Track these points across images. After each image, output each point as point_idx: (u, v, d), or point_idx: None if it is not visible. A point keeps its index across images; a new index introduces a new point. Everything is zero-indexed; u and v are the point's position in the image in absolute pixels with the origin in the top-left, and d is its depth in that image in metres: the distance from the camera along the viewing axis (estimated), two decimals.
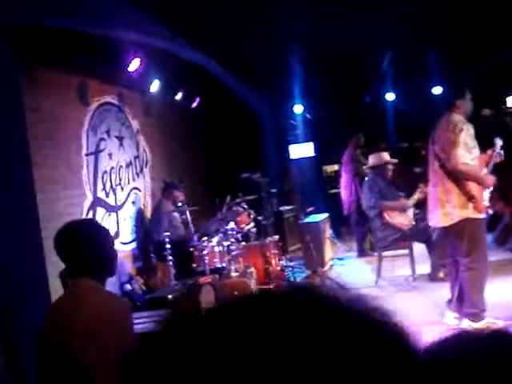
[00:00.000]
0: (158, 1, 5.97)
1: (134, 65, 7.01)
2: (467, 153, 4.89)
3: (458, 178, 4.95)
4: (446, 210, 5.05)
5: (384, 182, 7.64)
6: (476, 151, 5.13)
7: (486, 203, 5.09)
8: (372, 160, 7.89)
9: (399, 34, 8.80)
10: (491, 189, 5.26)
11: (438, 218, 5.16)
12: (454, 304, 5.36)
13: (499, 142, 5.28)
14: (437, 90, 12.16)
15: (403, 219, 7.33)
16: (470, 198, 4.93)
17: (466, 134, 4.91)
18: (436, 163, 5.10)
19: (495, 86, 11.39)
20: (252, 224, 8.02)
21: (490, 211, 5.17)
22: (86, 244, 2.46)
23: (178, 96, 8.95)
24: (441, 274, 7.14)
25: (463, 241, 5.03)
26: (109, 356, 2.21)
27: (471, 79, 10.97)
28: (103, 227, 2.78)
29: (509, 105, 12.16)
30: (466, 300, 5.14)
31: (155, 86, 8.09)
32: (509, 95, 12.11)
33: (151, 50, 7.19)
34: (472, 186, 4.95)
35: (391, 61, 10.64)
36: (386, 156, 7.90)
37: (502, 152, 5.30)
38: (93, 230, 2.59)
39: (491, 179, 5.16)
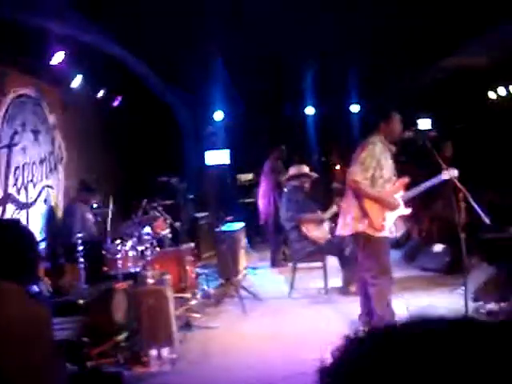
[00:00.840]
0: None
1: (58, 58, 6.72)
2: (364, 172, 5.09)
3: (356, 191, 5.20)
4: (346, 220, 5.31)
5: (302, 195, 7.72)
6: (388, 173, 5.28)
7: (387, 224, 5.22)
8: (292, 171, 7.97)
9: (322, 50, 8.95)
10: (403, 212, 5.42)
11: (338, 227, 5.49)
12: (364, 318, 5.54)
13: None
14: (354, 108, 12.49)
15: (319, 232, 7.43)
16: (365, 213, 5.13)
17: (374, 155, 5.11)
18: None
19: (407, 108, 11.81)
20: (168, 229, 7.87)
21: (392, 234, 5.33)
22: (11, 247, 2.30)
23: (100, 93, 8.68)
24: (352, 289, 7.27)
25: (362, 256, 5.31)
26: (30, 363, 2.09)
27: (387, 100, 11.38)
28: (28, 229, 2.62)
29: (419, 127, 12.64)
30: (373, 314, 5.31)
31: (77, 82, 7.80)
32: (419, 118, 12.58)
33: (76, 44, 6.95)
34: (368, 203, 5.14)
35: (313, 76, 10.81)
36: (305, 168, 7.99)
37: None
38: (18, 232, 2.43)
39: (396, 204, 5.30)
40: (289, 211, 7.51)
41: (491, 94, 11.55)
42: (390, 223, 5.29)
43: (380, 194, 5.20)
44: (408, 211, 5.46)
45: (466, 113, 12.77)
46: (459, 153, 10.06)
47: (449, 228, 8.36)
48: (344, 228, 5.37)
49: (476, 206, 5.45)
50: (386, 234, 5.24)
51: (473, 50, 9.54)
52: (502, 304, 6.04)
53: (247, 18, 7.61)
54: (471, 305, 6.25)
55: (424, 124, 12.45)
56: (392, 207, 5.25)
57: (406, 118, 5.61)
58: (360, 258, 5.36)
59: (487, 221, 5.56)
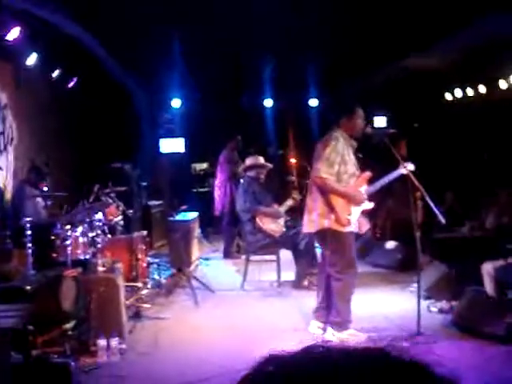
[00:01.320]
0: None
1: (13, 34, 6.45)
2: (330, 168, 5.05)
3: (321, 187, 5.16)
4: (311, 217, 5.25)
5: (259, 187, 7.67)
6: (352, 168, 5.26)
7: (352, 218, 5.19)
8: (249, 161, 7.91)
9: (282, 44, 8.91)
10: (367, 206, 5.40)
11: (304, 224, 5.40)
12: (320, 313, 5.47)
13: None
14: (313, 103, 12.50)
15: (275, 226, 7.39)
16: (331, 209, 5.09)
17: (337, 150, 5.08)
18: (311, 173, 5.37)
19: (363, 106, 11.89)
20: (120, 216, 7.70)
21: (357, 229, 5.32)
22: None
23: (55, 73, 8.39)
24: (305, 283, 7.28)
25: (326, 250, 5.25)
26: None
27: (345, 96, 11.44)
28: None
29: (376, 125, 12.74)
30: (332, 308, 5.29)
31: (32, 60, 7.51)
32: (375, 115, 12.69)
33: (34, 21, 6.70)
34: (334, 199, 5.11)
35: (272, 69, 10.76)
36: (261, 159, 7.95)
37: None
38: None
39: (361, 198, 5.29)
40: (246, 202, 7.44)
41: (448, 96, 11.71)
42: (356, 217, 5.28)
43: (346, 188, 5.18)
44: (372, 205, 5.46)
45: (422, 113, 12.94)
46: (414, 152, 10.19)
47: (402, 225, 8.46)
48: (310, 225, 5.30)
49: (432, 206, 5.48)
50: (351, 228, 5.22)
51: (431, 52, 9.63)
52: (453, 302, 6.12)
53: (208, 8, 7.51)
54: (423, 302, 6.33)
55: (379, 122, 12.56)
56: (358, 201, 5.25)
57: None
58: (325, 253, 5.31)
59: (443, 220, 5.61)
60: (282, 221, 7.52)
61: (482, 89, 10.48)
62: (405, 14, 7.68)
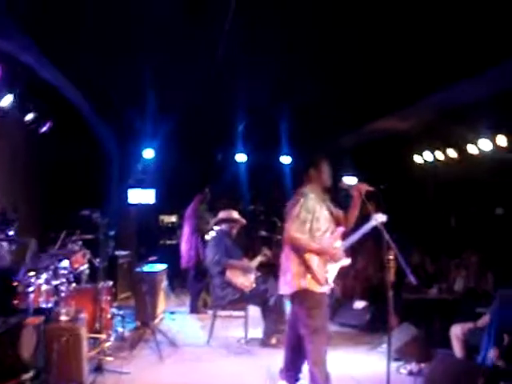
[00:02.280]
0: (30, 15, 5.60)
1: None
2: (302, 226, 4.89)
3: (295, 247, 4.94)
4: (286, 278, 5.00)
5: (230, 241, 7.59)
6: (326, 224, 5.12)
7: (330, 277, 4.97)
8: (222, 214, 7.85)
9: (257, 102, 9.04)
10: (345, 263, 5.22)
11: (279, 286, 5.14)
12: (288, 373, 5.26)
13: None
14: (286, 160, 12.63)
15: (245, 280, 7.29)
16: (307, 268, 4.88)
17: (307, 207, 4.90)
18: (284, 233, 5.06)
19: (332, 166, 12.04)
20: (86, 265, 7.51)
21: (331, 287, 5.08)
22: None
23: (29, 116, 8.30)
24: (273, 341, 7.14)
25: (302, 312, 4.95)
26: None
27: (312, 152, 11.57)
28: None
29: (350, 182, 12.89)
30: (308, 373, 4.95)
31: (7, 101, 7.40)
32: (345, 175, 12.84)
33: (12, 63, 6.66)
34: (310, 258, 4.88)
35: (246, 125, 10.87)
36: (235, 214, 7.89)
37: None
38: None
39: (338, 254, 5.12)
40: (216, 255, 7.33)
41: (417, 158, 11.91)
42: (333, 275, 5.07)
43: (321, 246, 4.96)
44: (349, 261, 5.27)
45: (391, 174, 13.12)
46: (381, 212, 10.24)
47: (371, 285, 8.46)
48: (285, 286, 5.04)
49: (404, 266, 5.44)
50: (325, 288, 4.99)
51: (402, 115, 9.85)
52: (423, 364, 6.06)
53: (184, 66, 7.62)
54: (392, 364, 6.24)
55: (349, 182, 12.66)
56: (335, 258, 5.03)
57: (334, 174, 5.50)
58: (299, 314, 5.00)
59: (414, 281, 5.57)
60: (252, 276, 7.42)
61: (452, 153, 10.68)
62: (375, 77, 7.86)
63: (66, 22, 6.15)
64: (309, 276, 4.88)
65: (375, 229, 5.08)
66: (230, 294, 7.24)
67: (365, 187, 5.10)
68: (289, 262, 4.98)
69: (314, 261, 4.91)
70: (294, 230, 4.88)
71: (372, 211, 5.07)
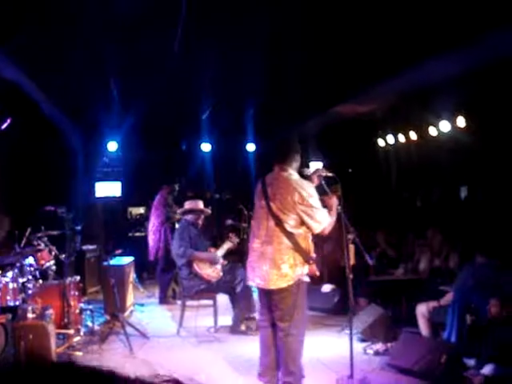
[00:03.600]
0: None
1: None
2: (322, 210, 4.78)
3: (295, 237, 4.76)
4: (282, 271, 4.72)
5: (195, 231, 7.60)
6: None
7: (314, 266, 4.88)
8: (188, 205, 7.84)
9: (221, 90, 9.04)
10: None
11: (269, 280, 4.77)
12: (270, 374, 5.01)
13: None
14: (250, 147, 12.68)
15: (212, 270, 7.31)
16: (308, 258, 4.77)
17: (316, 193, 4.82)
18: (272, 221, 4.82)
19: (301, 151, 12.14)
20: (52, 261, 7.47)
21: (317, 273, 5.00)
22: None
23: None
24: (242, 327, 7.21)
25: (287, 304, 4.75)
26: None
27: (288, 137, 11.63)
28: None
29: (311, 169, 13.01)
30: (283, 368, 4.85)
31: None
32: (311, 161, 12.97)
33: None
34: (310, 246, 4.82)
35: (210, 113, 10.86)
36: (200, 204, 7.90)
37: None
38: None
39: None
40: (181, 247, 7.34)
41: (380, 142, 12.06)
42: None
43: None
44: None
45: (356, 158, 13.28)
46: (348, 196, 10.36)
47: (338, 269, 8.56)
48: (281, 280, 4.73)
49: (362, 248, 5.54)
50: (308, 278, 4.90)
51: (364, 98, 9.94)
52: (389, 344, 6.18)
53: (147, 55, 7.57)
54: (359, 345, 6.37)
55: (316, 167, 12.78)
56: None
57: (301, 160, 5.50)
58: (281, 306, 4.79)
59: (371, 262, 5.68)
60: (219, 265, 7.45)
61: (413, 135, 10.84)
62: (337, 60, 7.90)
63: (22, 18, 6.08)
64: (306, 266, 4.78)
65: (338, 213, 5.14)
66: (197, 285, 7.27)
67: (323, 172, 5.14)
68: (282, 254, 4.74)
69: (312, 249, 4.84)
70: (323, 219, 4.76)
71: (330, 197, 5.09)
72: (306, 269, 4.78)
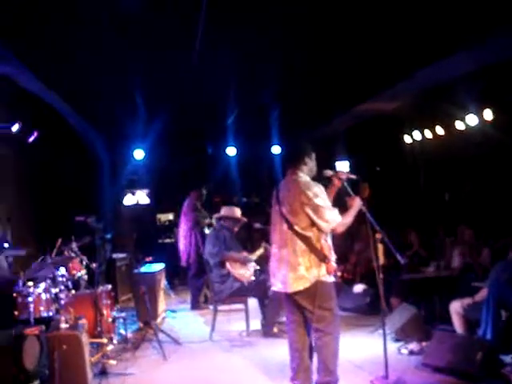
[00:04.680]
0: (4, 26, 5.61)
1: None
2: (333, 210, 4.75)
3: (308, 239, 4.73)
4: (298, 273, 4.73)
5: (230, 234, 7.64)
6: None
7: (335, 264, 4.81)
8: (225, 211, 7.85)
9: (245, 93, 9.05)
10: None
11: (288, 283, 4.78)
12: (303, 375, 4.92)
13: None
14: (276, 150, 12.66)
15: (244, 271, 7.34)
16: (323, 258, 4.72)
17: (323, 193, 4.78)
18: (285, 225, 4.83)
19: (325, 152, 12.10)
20: (84, 271, 7.54)
21: (339, 273, 4.97)
22: None
23: (15, 127, 8.29)
24: (275, 330, 7.19)
25: (314, 304, 4.73)
26: None
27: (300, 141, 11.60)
28: None
29: (338, 169, 12.93)
30: (321, 368, 4.79)
31: None
32: (338, 160, 12.92)
33: None
34: (324, 246, 4.76)
35: (235, 117, 10.88)
36: (238, 212, 7.90)
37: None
38: None
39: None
40: (215, 247, 7.38)
41: (407, 138, 11.94)
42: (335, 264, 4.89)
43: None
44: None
45: (383, 156, 13.18)
46: (378, 195, 10.30)
47: (370, 269, 8.49)
48: (298, 282, 4.73)
49: (391, 247, 5.48)
50: (333, 278, 4.83)
51: (389, 95, 9.86)
52: (424, 343, 6.10)
53: (171, 61, 7.62)
54: (393, 345, 6.31)
55: (342, 166, 12.75)
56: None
57: (325, 160, 5.48)
58: (309, 307, 4.75)
59: (402, 261, 5.61)
60: (251, 267, 7.47)
61: (440, 130, 10.71)
62: (361, 59, 7.86)
63: (46, 32, 6.17)
64: (323, 266, 4.73)
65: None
66: (228, 287, 7.29)
67: (346, 175, 5.12)
68: (297, 257, 4.74)
69: (326, 248, 4.78)
70: (332, 218, 4.72)
71: (353, 199, 5.03)
72: (323, 269, 4.72)
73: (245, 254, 7.62)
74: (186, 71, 7.97)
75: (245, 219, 8.04)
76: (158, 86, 8.51)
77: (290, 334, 5.04)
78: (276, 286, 4.97)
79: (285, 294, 4.95)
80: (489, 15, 6.01)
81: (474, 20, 6.21)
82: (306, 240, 4.75)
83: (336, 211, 4.78)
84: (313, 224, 4.74)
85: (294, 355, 4.98)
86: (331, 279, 4.80)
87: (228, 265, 7.32)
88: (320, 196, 4.74)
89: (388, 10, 6.35)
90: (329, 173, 5.13)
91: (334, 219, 4.73)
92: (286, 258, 4.83)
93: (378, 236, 5.80)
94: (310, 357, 4.97)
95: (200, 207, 9.93)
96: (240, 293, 7.34)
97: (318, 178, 5.10)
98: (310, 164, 5.00)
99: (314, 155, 5.06)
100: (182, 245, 9.70)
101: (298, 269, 4.73)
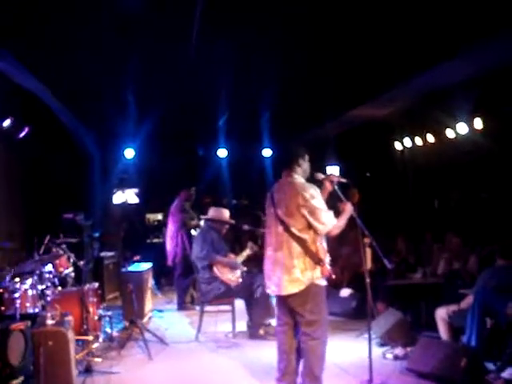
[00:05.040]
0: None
1: None
2: (329, 213, 4.77)
3: (303, 241, 4.74)
4: (293, 276, 4.72)
5: (217, 235, 7.63)
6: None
7: (328, 267, 4.83)
8: (213, 213, 7.83)
9: (237, 95, 9.05)
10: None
11: (282, 286, 4.78)
12: (290, 378, 4.95)
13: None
14: (267, 153, 12.70)
15: (232, 275, 7.34)
16: (318, 261, 4.73)
17: (319, 194, 4.81)
18: (280, 227, 4.82)
19: (316, 156, 12.13)
20: (71, 268, 7.51)
21: (333, 276, 4.97)
22: None
23: (6, 123, 8.27)
24: (261, 332, 7.20)
25: (306, 308, 4.75)
26: None
27: (294, 143, 11.64)
28: None
29: (328, 173, 12.97)
30: (306, 374, 4.79)
31: None
32: (328, 165, 12.95)
33: None
34: (319, 249, 4.78)
35: (227, 119, 10.89)
36: (226, 214, 7.89)
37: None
38: None
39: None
40: (203, 250, 7.37)
41: (397, 145, 12.00)
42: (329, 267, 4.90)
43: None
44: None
45: (373, 162, 13.23)
46: (367, 201, 10.34)
47: (357, 273, 8.52)
48: (292, 285, 4.72)
49: (379, 252, 5.51)
50: (325, 281, 4.85)
51: (380, 102, 9.91)
52: (408, 348, 6.13)
53: (161, 60, 7.61)
54: (378, 350, 6.33)
55: (332, 171, 12.78)
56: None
57: (315, 164, 5.50)
58: (300, 312, 4.77)
59: (389, 265, 5.64)
60: (238, 271, 7.47)
61: (430, 138, 10.78)
62: (353, 64, 7.90)
63: (39, 29, 6.15)
64: (318, 269, 4.74)
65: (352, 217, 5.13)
66: (215, 289, 7.29)
67: (337, 178, 5.15)
68: (292, 259, 4.73)
69: (322, 251, 4.78)
70: (329, 222, 4.74)
71: (345, 203, 5.07)
72: (317, 272, 4.74)
73: (232, 257, 7.62)
74: (178, 72, 7.98)
75: (232, 221, 8.02)
76: (149, 85, 8.50)
77: (280, 335, 5.04)
78: (270, 288, 4.97)
79: (278, 297, 4.96)
80: (482, 23, 6.06)
81: (467, 26, 6.25)
82: (301, 242, 4.75)
83: (331, 213, 4.80)
84: (309, 226, 4.75)
85: (282, 357, 5.00)
86: (324, 283, 4.82)
87: (215, 269, 7.31)
88: (316, 198, 4.75)
89: (382, 17, 6.39)
90: (320, 176, 5.19)
91: (330, 221, 4.75)
92: (281, 260, 4.82)
93: (367, 241, 5.83)
94: (297, 360, 4.97)
95: (188, 208, 9.93)
96: (227, 294, 7.34)
97: (311, 180, 5.14)
98: (305, 165, 5.04)
99: (307, 157, 5.09)
100: (169, 245, 9.70)
101: (292, 271, 4.73)
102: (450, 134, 10.00)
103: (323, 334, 4.82)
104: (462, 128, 9.55)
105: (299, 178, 4.95)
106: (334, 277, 4.86)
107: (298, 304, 4.78)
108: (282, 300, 4.91)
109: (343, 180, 5.17)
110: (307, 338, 4.77)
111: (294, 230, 4.76)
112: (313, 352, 4.77)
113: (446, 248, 8.42)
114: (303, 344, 4.81)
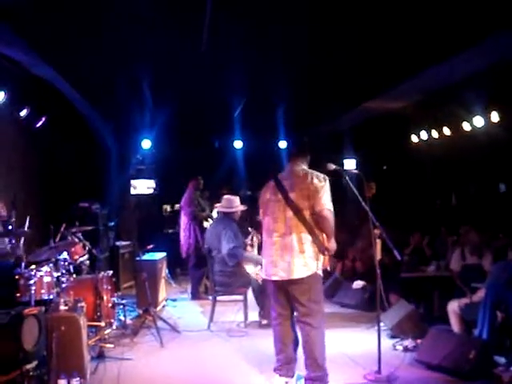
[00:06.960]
0: (16, 12, 5.65)
1: None
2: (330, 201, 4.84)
3: (313, 227, 4.81)
4: (303, 260, 4.78)
5: (236, 226, 7.67)
6: None
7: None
8: (223, 205, 7.88)
9: (253, 86, 9.05)
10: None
11: (292, 270, 4.79)
12: (289, 366, 5.06)
13: None
14: (283, 144, 12.71)
15: (258, 269, 7.41)
16: (323, 250, 4.81)
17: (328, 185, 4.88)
18: (290, 212, 4.85)
19: (332, 148, 12.14)
20: (86, 256, 7.61)
21: (329, 268, 5.07)
22: None
23: (23, 112, 8.36)
24: (264, 321, 7.29)
25: (307, 297, 4.80)
26: None
27: (313, 140, 11.63)
28: None
29: (346, 167, 12.94)
30: (310, 364, 4.83)
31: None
32: (345, 158, 12.93)
33: (2, 59, 6.73)
34: (325, 239, 4.84)
35: (242, 110, 10.90)
36: (236, 201, 7.93)
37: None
38: None
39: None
40: (235, 247, 7.39)
41: (414, 138, 11.94)
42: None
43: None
44: None
45: (390, 155, 13.18)
46: (384, 194, 10.34)
47: (372, 266, 8.53)
48: (302, 269, 4.77)
49: (389, 243, 5.53)
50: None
51: (396, 94, 9.86)
52: (419, 340, 6.13)
53: (176, 53, 7.63)
54: (388, 341, 6.35)
55: (349, 164, 12.79)
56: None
57: (333, 157, 5.59)
58: (301, 301, 4.83)
59: (399, 257, 5.66)
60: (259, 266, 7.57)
61: (447, 131, 10.72)
62: (369, 57, 7.86)
63: (57, 19, 6.20)
64: (321, 259, 4.84)
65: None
66: (237, 281, 7.44)
67: (345, 170, 5.29)
68: (303, 244, 4.79)
69: (325, 241, 4.86)
70: (329, 203, 4.81)
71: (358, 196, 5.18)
72: (320, 262, 4.83)
73: (249, 249, 7.73)
74: (194, 62, 8.00)
75: (242, 207, 8.04)
76: (166, 76, 8.53)
77: (277, 328, 5.11)
78: (276, 275, 4.93)
79: (277, 287, 4.99)
80: (497, 13, 6.01)
81: (482, 17, 6.20)
82: (311, 229, 4.80)
83: (330, 201, 4.84)
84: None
85: (281, 348, 5.08)
86: (321, 272, 4.90)
87: (245, 265, 7.54)
88: (323, 182, 4.82)
89: (397, 8, 6.35)
90: (332, 166, 5.28)
91: (327, 205, 4.78)
92: (290, 244, 4.84)
93: (377, 232, 5.85)
94: (295, 350, 5.08)
95: (199, 198, 9.99)
96: (246, 286, 7.50)
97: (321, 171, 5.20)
98: (309, 158, 5.18)
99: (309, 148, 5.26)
100: (182, 237, 9.75)
101: (304, 255, 4.79)
102: (466, 127, 9.94)
103: (322, 324, 4.90)
104: (479, 121, 9.48)
105: (306, 166, 5.09)
106: (329, 268, 4.95)
107: (301, 292, 4.82)
108: (283, 289, 4.94)
109: (354, 171, 5.27)
110: (308, 328, 4.82)
111: (306, 212, 4.81)
112: (315, 342, 4.82)
113: (459, 241, 8.38)
114: (305, 335, 4.86)
